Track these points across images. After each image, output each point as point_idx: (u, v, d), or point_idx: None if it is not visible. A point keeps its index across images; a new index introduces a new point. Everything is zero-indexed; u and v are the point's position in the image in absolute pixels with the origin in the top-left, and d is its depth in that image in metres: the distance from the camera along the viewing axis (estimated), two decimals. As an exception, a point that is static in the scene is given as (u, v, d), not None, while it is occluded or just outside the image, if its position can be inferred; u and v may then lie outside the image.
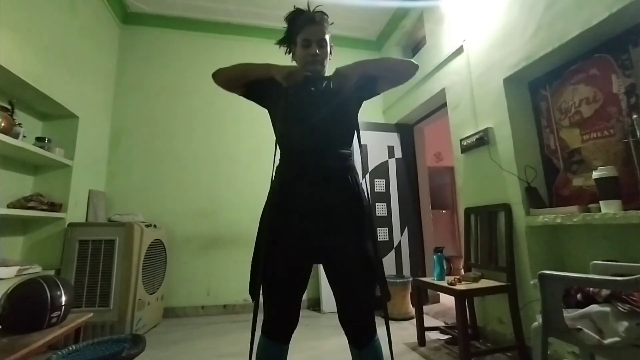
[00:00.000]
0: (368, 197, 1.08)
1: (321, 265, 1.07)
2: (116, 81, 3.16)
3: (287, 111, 1.08)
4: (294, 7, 1.16)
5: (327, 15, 1.16)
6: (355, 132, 1.12)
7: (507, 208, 1.97)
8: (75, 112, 2.46)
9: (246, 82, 1.13)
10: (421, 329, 2.10)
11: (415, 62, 1.12)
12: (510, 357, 1.85)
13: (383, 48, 3.81)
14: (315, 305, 3.04)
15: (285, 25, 1.18)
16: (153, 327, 2.53)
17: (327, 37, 1.13)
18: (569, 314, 1.11)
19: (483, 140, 2.17)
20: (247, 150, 3.30)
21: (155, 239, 2.56)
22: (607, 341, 0.99)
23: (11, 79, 1.89)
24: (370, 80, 1.13)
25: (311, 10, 1.14)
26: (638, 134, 1.42)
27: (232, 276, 2.96)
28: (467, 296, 1.97)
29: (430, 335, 2.21)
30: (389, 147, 3.36)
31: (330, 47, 1.16)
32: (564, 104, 1.85)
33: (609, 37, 1.60)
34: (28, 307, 1.38)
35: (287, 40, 1.19)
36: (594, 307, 1.08)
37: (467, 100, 2.37)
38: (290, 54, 1.21)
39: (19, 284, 1.45)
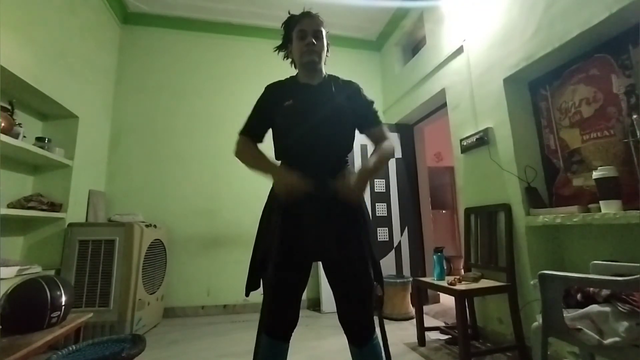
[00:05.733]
0: (365, 201, 1.10)
1: (321, 265, 1.08)
2: (116, 81, 3.16)
3: (287, 122, 1.08)
4: (289, 12, 1.17)
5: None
6: (353, 139, 1.14)
7: (507, 208, 1.97)
8: (75, 112, 2.46)
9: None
10: (421, 329, 2.10)
11: (393, 150, 1.14)
12: (510, 357, 1.85)
13: (383, 48, 3.81)
14: (315, 305, 3.03)
15: (282, 33, 1.19)
16: (153, 327, 2.53)
17: (323, 30, 1.12)
18: (569, 314, 1.11)
19: (483, 140, 2.17)
20: (247, 150, 3.29)
21: (155, 239, 2.56)
22: (607, 341, 0.99)
23: (11, 79, 1.89)
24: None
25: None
26: (638, 134, 1.42)
27: (232, 276, 2.97)
28: (467, 296, 1.97)
29: (430, 335, 2.21)
30: (389, 147, 3.36)
31: (327, 44, 1.15)
32: (564, 104, 1.85)
33: (609, 37, 1.60)
34: (28, 307, 1.38)
35: (284, 45, 1.19)
36: (594, 307, 1.08)
37: (467, 100, 2.37)
38: (289, 59, 1.21)
39: (19, 284, 1.45)
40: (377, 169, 1.07)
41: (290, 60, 1.20)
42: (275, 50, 1.22)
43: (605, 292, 1.10)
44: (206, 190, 3.16)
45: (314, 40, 1.09)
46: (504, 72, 2.04)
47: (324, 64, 1.15)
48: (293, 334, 1.07)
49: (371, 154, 1.10)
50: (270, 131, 1.16)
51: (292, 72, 1.21)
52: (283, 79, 1.18)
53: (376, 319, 1.05)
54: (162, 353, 2.03)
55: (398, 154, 3.37)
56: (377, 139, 1.13)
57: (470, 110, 2.34)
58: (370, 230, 1.08)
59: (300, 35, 1.10)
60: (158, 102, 3.22)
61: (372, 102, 1.16)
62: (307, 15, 1.12)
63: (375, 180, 3.24)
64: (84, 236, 2.26)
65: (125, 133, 3.10)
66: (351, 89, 1.15)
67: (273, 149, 1.15)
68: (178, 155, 3.16)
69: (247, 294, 1.06)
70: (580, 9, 1.58)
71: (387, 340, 1.03)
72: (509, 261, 1.88)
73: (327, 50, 1.15)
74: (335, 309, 1.06)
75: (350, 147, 1.13)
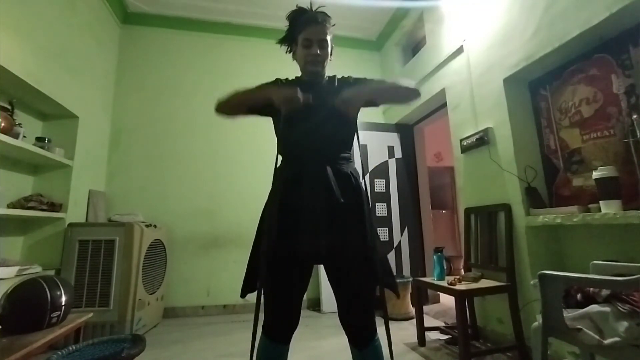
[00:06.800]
0: (368, 198, 1.08)
1: (321, 265, 1.07)
2: (116, 81, 3.16)
3: (289, 116, 1.07)
4: (297, 6, 1.16)
5: (329, 17, 1.15)
6: (355, 134, 1.13)
7: (507, 208, 1.97)
8: (75, 112, 2.46)
9: (247, 108, 1.14)
10: (421, 329, 2.10)
11: (419, 91, 1.12)
12: (510, 357, 1.85)
13: (383, 48, 3.82)
14: (315, 305, 3.04)
15: (287, 24, 1.17)
16: (153, 327, 2.53)
17: (328, 37, 1.12)
18: (569, 314, 1.11)
19: (483, 140, 2.17)
20: (247, 150, 3.29)
21: (155, 239, 2.56)
22: (607, 341, 0.99)
23: (11, 79, 1.89)
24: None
25: (313, 10, 1.14)
26: (638, 134, 1.42)
27: (232, 276, 2.96)
28: (467, 296, 1.97)
29: (430, 335, 2.21)
30: (389, 147, 3.36)
31: (331, 47, 1.16)
32: (564, 104, 1.85)
33: (609, 37, 1.60)
34: (28, 307, 1.38)
35: (288, 39, 1.19)
36: (594, 307, 1.08)
37: (467, 100, 2.37)
38: (291, 53, 1.21)
39: (19, 284, 1.45)
40: (377, 92, 1.13)
41: (292, 53, 1.20)
42: (278, 43, 1.22)
43: (605, 292, 1.10)
44: (206, 190, 3.16)
45: (318, 51, 1.09)
46: (504, 72, 2.04)
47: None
48: (293, 334, 1.06)
49: None
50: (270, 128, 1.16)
51: (293, 69, 1.23)
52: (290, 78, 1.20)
53: (382, 320, 1.03)
54: (162, 353, 2.03)
55: (399, 153, 3.37)
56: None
57: (470, 110, 2.34)
58: (374, 230, 1.05)
59: (305, 44, 1.10)
60: (158, 101, 3.22)
61: (370, 79, 1.16)
62: (313, 21, 1.10)
63: (375, 180, 3.24)
64: (84, 236, 2.26)
65: (125, 133, 3.10)
66: (348, 83, 1.15)
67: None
68: (178, 155, 3.16)
69: (242, 296, 1.05)
70: (580, 9, 1.58)
71: (391, 342, 1.02)
72: (509, 261, 1.88)
73: (331, 54, 1.16)
74: (335, 309, 1.05)
75: (352, 137, 1.13)
